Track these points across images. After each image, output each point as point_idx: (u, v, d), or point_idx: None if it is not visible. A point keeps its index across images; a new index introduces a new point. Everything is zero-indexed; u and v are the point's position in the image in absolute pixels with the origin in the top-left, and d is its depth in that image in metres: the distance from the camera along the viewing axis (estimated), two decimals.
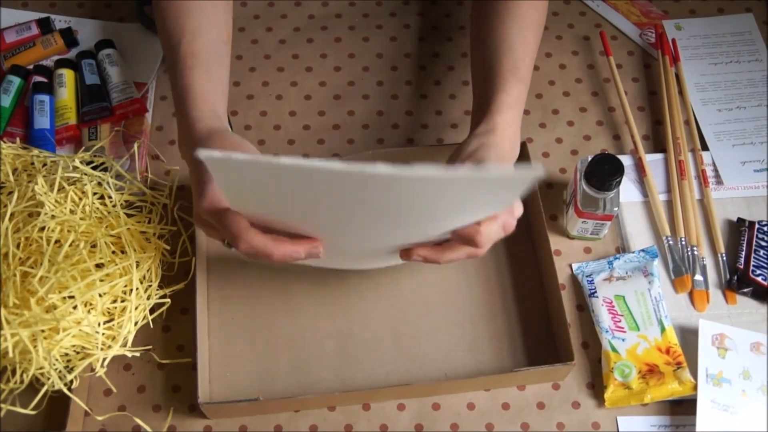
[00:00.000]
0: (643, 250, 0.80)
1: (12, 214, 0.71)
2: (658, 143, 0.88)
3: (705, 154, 0.87)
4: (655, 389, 0.72)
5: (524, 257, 0.80)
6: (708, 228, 0.82)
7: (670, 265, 0.80)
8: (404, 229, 0.61)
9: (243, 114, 0.90)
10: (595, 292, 0.78)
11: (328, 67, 0.94)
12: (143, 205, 0.79)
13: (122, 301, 0.72)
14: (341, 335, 0.76)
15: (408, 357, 0.75)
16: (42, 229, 0.71)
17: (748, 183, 0.85)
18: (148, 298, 0.73)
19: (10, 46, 0.92)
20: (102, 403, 0.73)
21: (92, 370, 0.71)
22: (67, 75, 0.89)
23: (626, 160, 0.85)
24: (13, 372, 0.68)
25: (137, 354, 0.73)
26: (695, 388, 0.71)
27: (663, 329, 0.74)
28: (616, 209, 0.77)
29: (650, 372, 0.73)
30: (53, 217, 0.71)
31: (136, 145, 0.84)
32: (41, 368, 0.67)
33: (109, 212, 0.75)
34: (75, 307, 0.68)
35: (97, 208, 0.74)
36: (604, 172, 0.75)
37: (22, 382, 0.68)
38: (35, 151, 0.79)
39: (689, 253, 0.80)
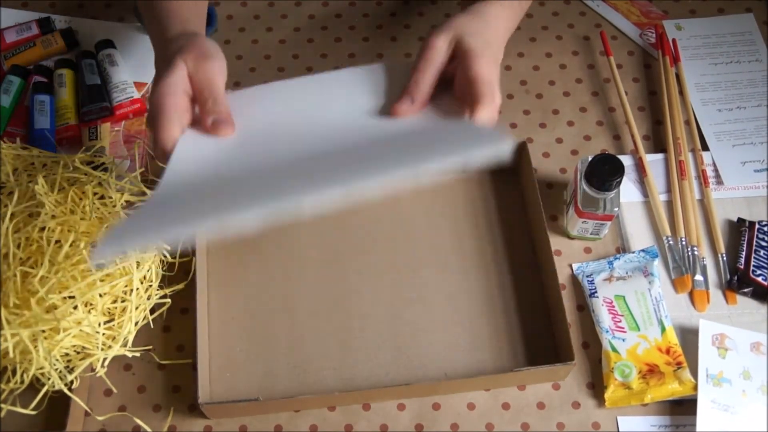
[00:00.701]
0: (643, 250, 0.80)
1: (12, 214, 0.70)
2: (658, 143, 0.88)
3: (705, 154, 0.87)
4: (655, 389, 0.72)
5: (524, 257, 0.80)
6: (708, 228, 0.82)
7: (671, 265, 0.80)
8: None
9: None
10: (596, 292, 0.78)
11: (328, 67, 0.94)
12: None
13: (122, 301, 0.72)
14: (341, 335, 0.76)
15: (408, 357, 0.75)
16: (42, 229, 0.71)
17: (748, 183, 0.85)
18: (148, 298, 0.73)
19: (10, 46, 0.92)
20: (102, 403, 0.73)
21: (92, 370, 0.71)
22: (67, 75, 0.89)
23: (626, 160, 0.85)
24: (14, 372, 0.68)
25: (137, 354, 0.73)
26: (695, 388, 0.71)
27: (663, 329, 0.74)
28: (616, 209, 0.77)
29: (650, 372, 0.73)
30: (53, 217, 0.71)
31: (136, 145, 0.84)
32: (41, 368, 0.67)
33: (109, 212, 0.75)
34: (75, 307, 0.68)
35: (98, 209, 0.74)
36: (604, 172, 0.75)
37: (22, 382, 0.68)
38: (35, 151, 0.79)
39: (689, 253, 0.80)
